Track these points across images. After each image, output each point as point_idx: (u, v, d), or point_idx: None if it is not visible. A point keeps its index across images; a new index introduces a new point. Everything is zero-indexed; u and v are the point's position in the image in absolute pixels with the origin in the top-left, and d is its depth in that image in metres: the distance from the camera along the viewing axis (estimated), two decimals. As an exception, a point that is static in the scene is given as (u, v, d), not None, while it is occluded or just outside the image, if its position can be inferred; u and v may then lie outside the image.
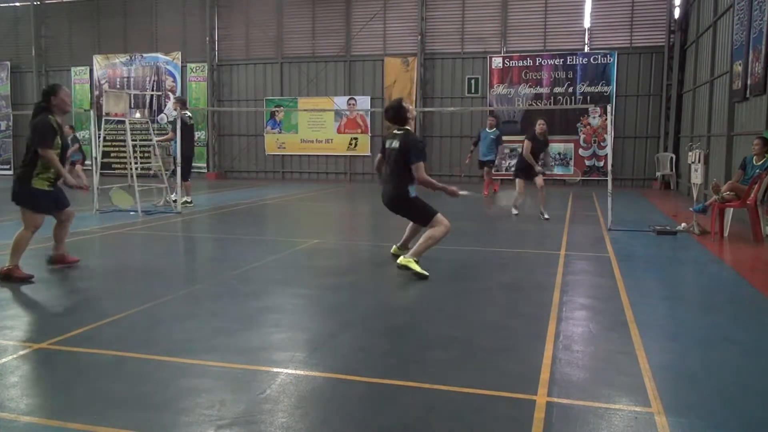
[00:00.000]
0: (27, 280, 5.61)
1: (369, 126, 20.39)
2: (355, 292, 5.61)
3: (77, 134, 17.90)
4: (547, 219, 10.21)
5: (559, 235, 8.72)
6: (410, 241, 6.64)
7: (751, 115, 10.57)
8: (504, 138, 19.01)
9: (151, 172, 12.85)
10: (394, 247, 6.83)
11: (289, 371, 3.53)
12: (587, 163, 18.48)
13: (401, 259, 6.04)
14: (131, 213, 10.76)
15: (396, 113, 6.27)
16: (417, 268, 5.89)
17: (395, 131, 6.29)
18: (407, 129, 6.27)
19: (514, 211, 10.88)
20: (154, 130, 12.80)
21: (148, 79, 21.99)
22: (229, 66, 21.62)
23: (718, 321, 4.68)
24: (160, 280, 5.97)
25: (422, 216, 6.30)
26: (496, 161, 15.29)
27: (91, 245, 8.11)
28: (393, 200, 6.30)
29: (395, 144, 6.18)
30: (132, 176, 10.96)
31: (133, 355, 3.76)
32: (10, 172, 22.91)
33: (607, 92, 18.12)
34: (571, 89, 18.37)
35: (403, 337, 4.20)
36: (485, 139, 14.58)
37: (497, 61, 18.90)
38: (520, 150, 11.42)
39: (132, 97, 20.42)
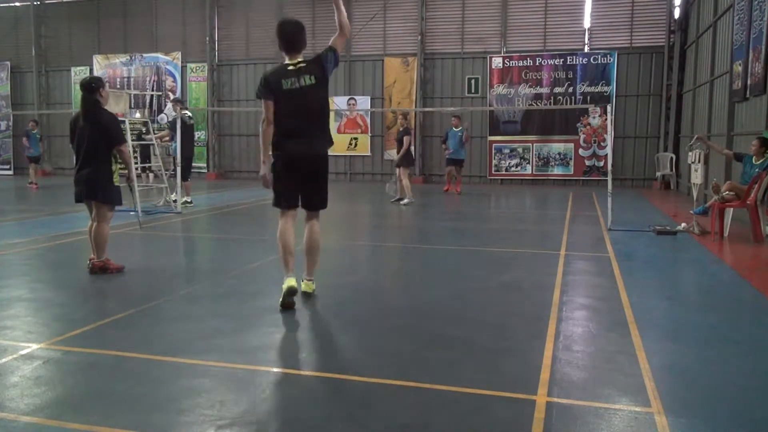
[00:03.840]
0: (121, 269, 6.06)
1: (369, 126, 20.37)
2: (355, 292, 5.61)
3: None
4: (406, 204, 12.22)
5: (559, 235, 8.72)
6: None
7: (751, 115, 10.56)
8: (503, 138, 19.20)
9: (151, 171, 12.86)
10: (303, 282, 5.12)
11: (289, 371, 3.53)
12: (587, 163, 18.46)
13: (308, 285, 5.11)
14: (131, 213, 10.75)
15: (300, 33, 4.77)
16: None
17: (296, 63, 4.72)
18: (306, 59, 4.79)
19: (406, 201, 12.34)
20: (154, 130, 12.78)
21: (148, 79, 21.97)
22: (229, 66, 21.60)
23: (718, 321, 4.68)
24: (160, 280, 5.97)
25: (326, 191, 5.12)
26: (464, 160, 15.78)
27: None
28: (321, 160, 4.93)
29: (308, 79, 4.68)
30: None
31: (133, 355, 3.76)
32: (11, 172, 22.92)
33: (607, 92, 18.11)
34: (571, 89, 18.35)
35: (403, 337, 4.20)
36: (453, 137, 14.99)
37: (497, 61, 18.89)
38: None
39: (132, 97, 20.43)
